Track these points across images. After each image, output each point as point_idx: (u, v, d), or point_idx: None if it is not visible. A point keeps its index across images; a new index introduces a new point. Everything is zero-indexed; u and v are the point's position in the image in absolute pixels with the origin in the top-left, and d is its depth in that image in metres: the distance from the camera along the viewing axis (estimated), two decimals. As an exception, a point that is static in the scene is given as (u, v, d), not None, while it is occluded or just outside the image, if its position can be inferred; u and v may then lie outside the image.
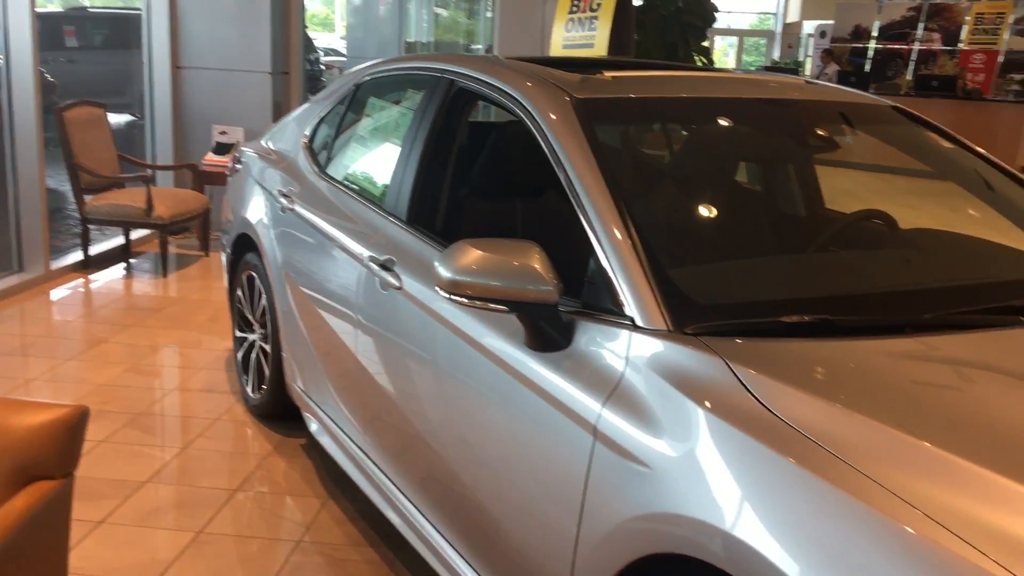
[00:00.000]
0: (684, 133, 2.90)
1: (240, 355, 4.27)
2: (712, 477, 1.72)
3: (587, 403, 2.01)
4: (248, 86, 7.36)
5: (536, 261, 2.07)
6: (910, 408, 1.75)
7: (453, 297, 2.13)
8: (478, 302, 2.12)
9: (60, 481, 2.01)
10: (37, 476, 1.99)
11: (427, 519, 2.69)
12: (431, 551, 2.66)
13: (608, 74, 2.81)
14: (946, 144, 3.02)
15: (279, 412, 3.96)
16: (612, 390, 1.96)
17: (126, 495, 3.41)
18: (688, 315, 1.99)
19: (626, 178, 2.37)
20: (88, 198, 6.40)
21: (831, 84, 3.20)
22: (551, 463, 2.09)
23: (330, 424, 3.36)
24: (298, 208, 3.57)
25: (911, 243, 2.81)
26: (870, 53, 16.80)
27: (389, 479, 2.91)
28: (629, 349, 1.98)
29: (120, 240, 6.82)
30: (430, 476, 2.66)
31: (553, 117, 2.44)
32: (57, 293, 5.95)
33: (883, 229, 2.78)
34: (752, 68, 18.64)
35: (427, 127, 2.96)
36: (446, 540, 2.58)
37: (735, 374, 1.79)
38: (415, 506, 2.75)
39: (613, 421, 1.94)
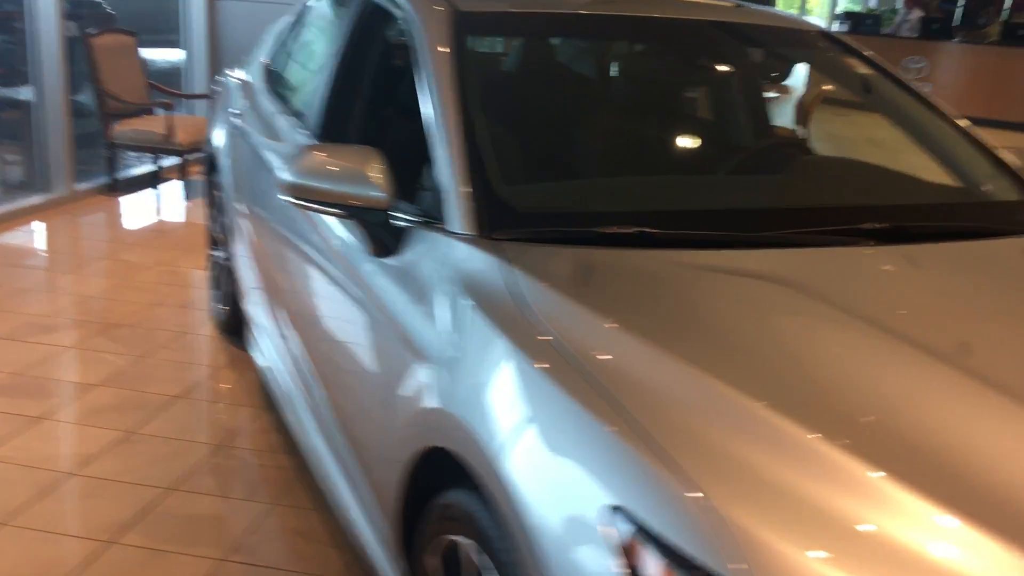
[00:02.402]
0: (566, 50, 2.86)
1: (211, 273, 4.43)
2: (469, 376, 1.76)
3: (400, 305, 2.07)
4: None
5: (371, 167, 2.10)
6: (668, 317, 1.74)
7: (294, 201, 2.19)
8: (316, 206, 2.17)
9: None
10: None
11: (311, 423, 2.79)
12: (309, 451, 2.77)
13: None
14: (872, 72, 2.92)
15: (239, 328, 4.10)
16: (421, 293, 2.01)
17: (73, 396, 3.60)
18: (499, 222, 2.01)
19: (484, 93, 2.37)
20: (116, 124, 6.63)
21: (763, 8, 3.10)
22: (378, 364, 2.16)
23: (259, 338, 3.48)
24: (244, 128, 3.66)
25: (800, 167, 2.74)
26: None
27: (293, 387, 3.02)
28: (441, 254, 2.02)
29: (150, 167, 7.06)
30: (313, 381, 2.75)
31: (427, 27, 2.46)
32: (77, 213, 6.22)
33: (773, 154, 2.72)
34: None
35: (341, 45, 3.00)
36: (322, 442, 2.68)
37: (511, 278, 1.81)
38: (305, 412, 2.86)
39: (414, 322, 1.99)
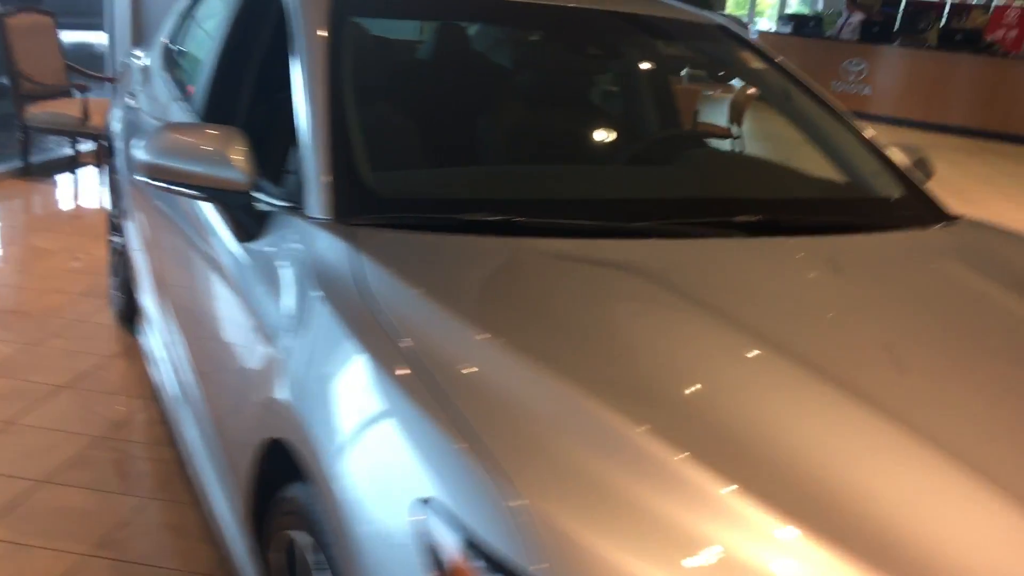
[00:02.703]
0: (451, 34, 2.80)
1: (110, 259, 4.30)
2: (307, 367, 1.70)
3: (256, 293, 2.01)
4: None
5: (231, 148, 2.03)
6: (515, 309, 1.69)
7: (151, 181, 2.11)
8: (175, 187, 2.09)
9: None
10: None
11: (186, 415, 2.71)
12: (183, 443, 2.69)
13: None
14: (765, 67, 2.90)
15: (135, 316, 3.98)
16: (275, 280, 1.95)
17: (-47, 384, 3.47)
18: (358, 207, 1.95)
19: (361, 76, 2.30)
20: (31, 106, 6.44)
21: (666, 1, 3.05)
22: (237, 353, 2.10)
23: (146, 326, 3.39)
24: (138, 110, 3.55)
25: (687, 160, 2.71)
26: (903, 4, 16.25)
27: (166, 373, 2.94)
28: (297, 240, 1.95)
29: (68, 151, 6.87)
30: (187, 371, 2.67)
31: (304, 6, 2.38)
32: (-13, 197, 6.04)
33: (660, 146, 2.69)
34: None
35: (227, 24, 2.91)
36: (196, 435, 2.60)
37: (358, 266, 1.75)
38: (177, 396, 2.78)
39: (267, 310, 1.93)
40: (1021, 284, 2.06)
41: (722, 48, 2.98)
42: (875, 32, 14.43)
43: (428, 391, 1.40)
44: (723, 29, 2.97)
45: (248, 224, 2.10)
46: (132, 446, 3.17)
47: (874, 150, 2.64)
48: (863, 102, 13.95)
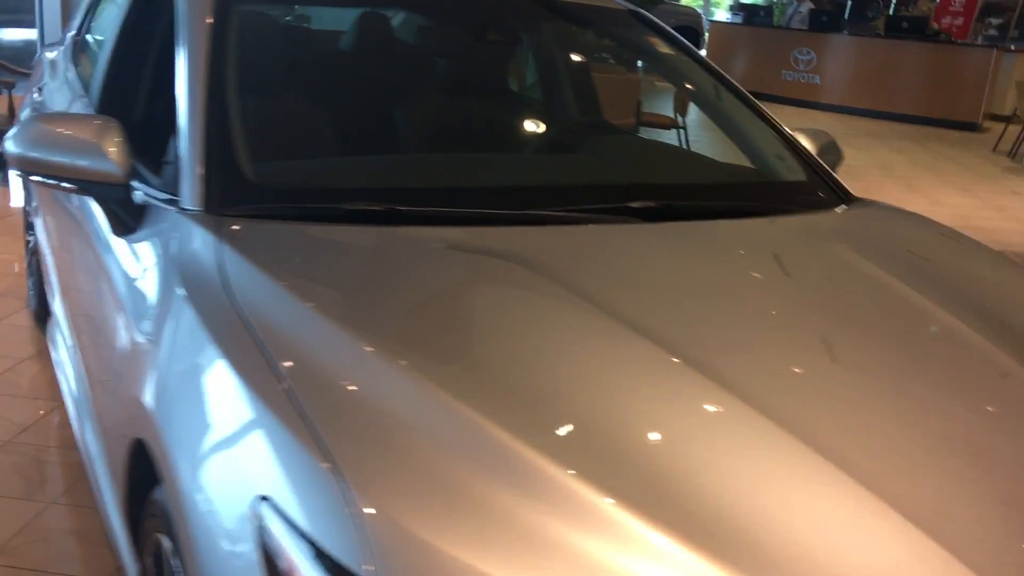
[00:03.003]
0: (346, 23, 2.75)
1: (28, 258, 4.20)
2: (166, 365, 1.64)
3: (128, 288, 1.97)
4: None
5: (106, 139, 1.96)
6: (378, 302, 1.64)
7: (19, 173, 2.04)
8: (48, 180, 2.02)
9: None
10: None
11: (84, 416, 2.64)
12: (81, 445, 2.62)
13: None
14: (675, 53, 2.86)
15: (47, 316, 3.89)
16: (146, 274, 1.89)
17: None
18: (229, 198, 1.89)
19: (247, 65, 2.24)
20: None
21: None
22: (112, 352, 2.03)
23: (53, 325, 3.30)
24: (44, 105, 3.46)
25: (588, 147, 2.67)
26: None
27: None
28: (170, 231, 1.89)
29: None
30: (80, 370, 2.60)
31: None
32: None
33: (561, 133, 2.65)
34: None
35: (122, 15, 2.84)
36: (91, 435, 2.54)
37: (221, 258, 1.70)
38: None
39: (137, 306, 1.88)
40: (906, 264, 2.05)
41: (633, 34, 2.94)
42: (824, 21, 14.51)
43: (276, 391, 1.35)
44: (634, 14, 2.93)
45: (126, 218, 2.04)
46: (37, 450, 3.09)
47: (779, 135, 2.62)
48: (812, 91, 14.04)
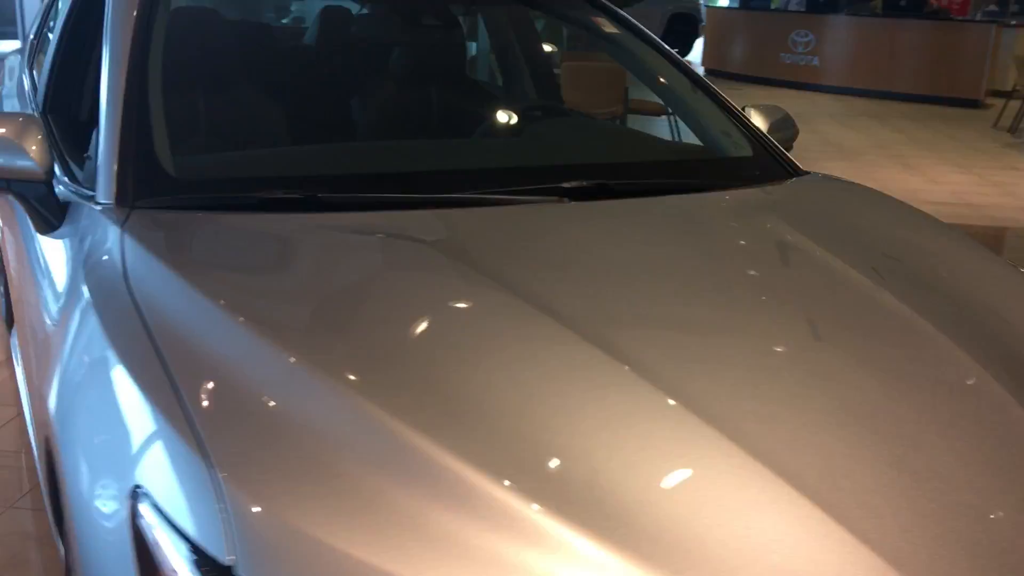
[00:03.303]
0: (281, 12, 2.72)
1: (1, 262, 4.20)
2: (64, 360, 1.62)
3: (45, 285, 1.95)
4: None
5: (25, 136, 1.95)
6: (280, 293, 1.62)
7: None
8: None
9: None
10: None
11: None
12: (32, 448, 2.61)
13: None
14: (624, 33, 2.82)
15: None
16: (59, 271, 1.88)
17: None
18: (144, 191, 1.86)
19: (168, 57, 2.20)
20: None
21: None
22: (35, 350, 2.02)
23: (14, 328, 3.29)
24: (-1, 108, 3.45)
25: (526, 130, 2.62)
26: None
27: None
28: (84, 226, 1.87)
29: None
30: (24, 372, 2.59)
31: None
32: None
33: (492, 115, 2.62)
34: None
35: (67, 12, 2.82)
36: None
37: (124, 250, 1.67)
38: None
39: (51, 303, 1.86)
40: (837, 233, 2.00)
41: (582, 15, 2.90)
42: (822, 2, 14.39)
43: (164, 388, 1.32)
44: (582, -5, 2.89)
45: (48, 215, 2.03)
46: (2, 455, 3.08)
47: (726, 111, 2.58)
48: (811, 73, 13.92)
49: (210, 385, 1.33)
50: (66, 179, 2.03)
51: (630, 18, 2.80)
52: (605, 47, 3.02)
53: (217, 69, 2.48)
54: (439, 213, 1.91)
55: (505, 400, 1.31)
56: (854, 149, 9.41)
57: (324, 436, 1.23)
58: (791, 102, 12.81)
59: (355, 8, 2.85)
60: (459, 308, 1.57)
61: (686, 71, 2.67)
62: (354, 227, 1.81)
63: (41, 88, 2.79)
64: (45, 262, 2.02)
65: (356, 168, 2.11)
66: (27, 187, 1.98)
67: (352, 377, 1.34)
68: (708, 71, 15.42)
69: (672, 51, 2.73)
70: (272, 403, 1.29)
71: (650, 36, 2.76)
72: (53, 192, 2.00)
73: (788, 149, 2.75)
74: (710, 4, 19.61)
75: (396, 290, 1.61)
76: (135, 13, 2.18)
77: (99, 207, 1.84)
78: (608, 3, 2.85)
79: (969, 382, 1.48)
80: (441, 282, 1.63)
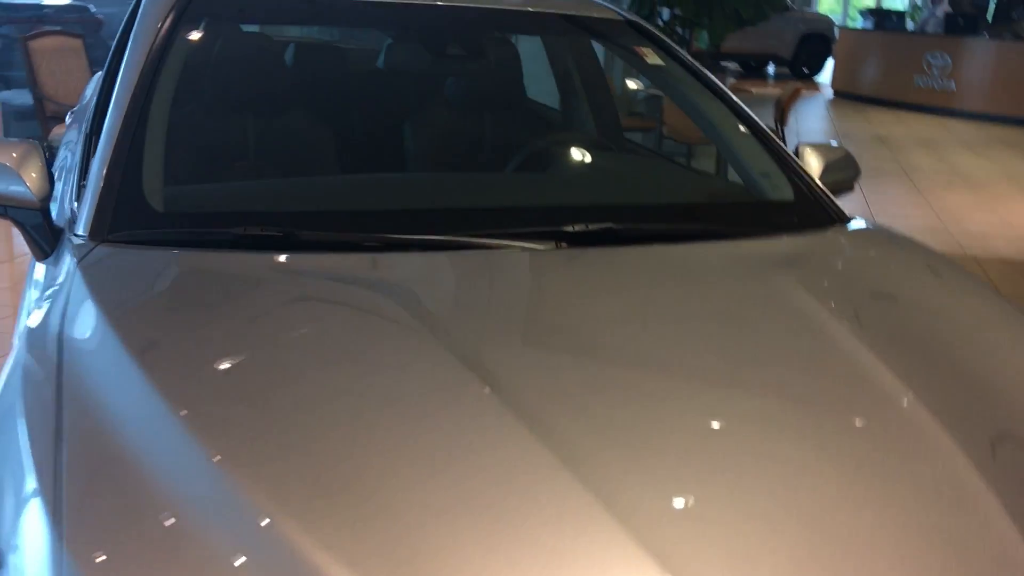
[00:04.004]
0: (313, 39, 2.67)
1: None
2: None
3: (25, 315, 1.93)
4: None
5: (24, 163, 1.96)
6: (198, 332, 1.54)
7: None
8: None
9: None
10: None
11: None
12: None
13: None
14: (671, 64, 2.67)
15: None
16: (31, 300, 1.87)
17: None
18: (122, 223, 1.83)
19: (164, 92, 2.17)
20: (55, 127, 6.60)
21: None
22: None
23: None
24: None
25: (551, 166, 2.48)
26: (997, -5, 15.40)
27: None
28: (60, 257, 1.86)
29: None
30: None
31: (147, 6, 2.30)
32: None
33: (529, 153, 2.49)
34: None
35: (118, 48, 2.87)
36: None
37: (69, 284, 1.65)
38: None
39: (24, 334, 1.84)
40: (857, 302, 1.80)
41: (630, 44, 2.76)
42: (960, 24, 13.70)
43: (45, 444, 1.27)
44: (631, 24, 2.76)
45: (41, 242, 2.02)
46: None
47: (769, 149, 2.40)
48: (947, 98, 13.24)
49: (93, 447, 1.26)
50: (68, 208, 2.03)
51: (673, 45, 2.65)
52: (648, 75, 2.85)
53: (223, 101, 2.45)
54: (415, 257, 1.80)
55: (389, 497, 1.17)
56: (982, 180, 8.86)
57: (186, 514, 1.14)
58: (923, 127, 12.22)
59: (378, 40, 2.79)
60: (382, 378, 1.42)
61: (729, 102, 2.50)
62: (314, 271, 1.72)
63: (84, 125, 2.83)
64: (28, 290, 2.02)
65: (333, 205, 2.03)
66: (23, 214, 1.99)
67: (232, 449, 1.24)
68: (837, 93, 14.88)
69: (716, 80, 2.57)
70: (148, 475, 1.20)
71: (695, 66, 2.60)
72: (49, 220, 1.99)
73: (848, 191, 2.55)
74: (847, 24, 18.96)
75: (321, 354, 1.47)
76: (144, 54, 2.16)
77: (75, 238, 1.82)
78: (650, 28, 2.71)
79: (953, 493, 1.25)
80: (377, 348, 1.49)
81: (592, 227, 1.94)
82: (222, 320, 1.57)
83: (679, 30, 8.98)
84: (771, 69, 18.05)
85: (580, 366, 1.47)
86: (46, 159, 2.03)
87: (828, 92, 15.40)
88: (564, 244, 1.88)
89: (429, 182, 2.29)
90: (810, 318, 1.67)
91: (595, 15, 2.75)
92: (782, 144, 2.45)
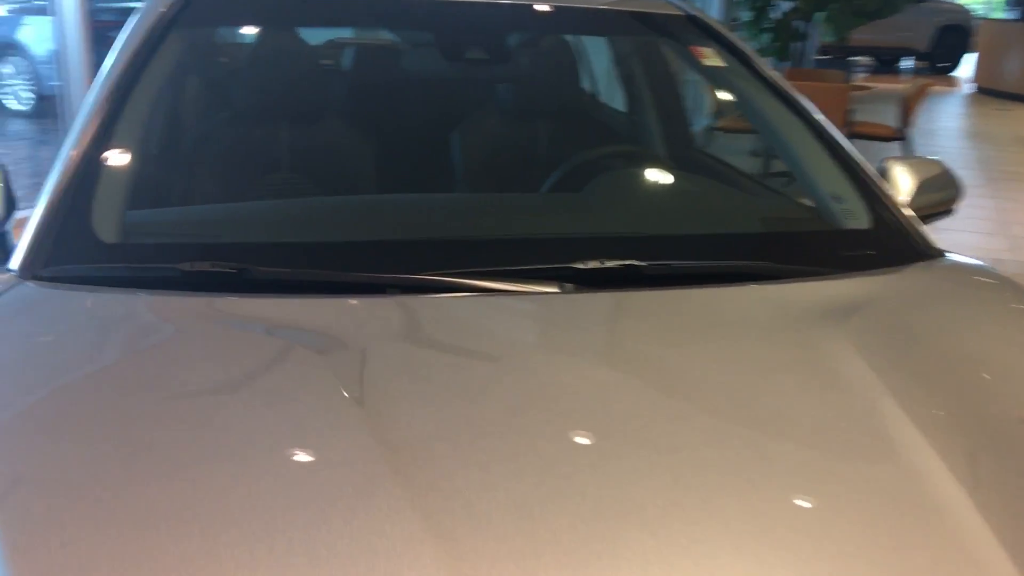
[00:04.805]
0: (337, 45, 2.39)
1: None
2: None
3: None
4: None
5: None
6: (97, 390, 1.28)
7: None
8: None
9: None
10: None
11: None
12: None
13: None
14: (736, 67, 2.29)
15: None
16: None
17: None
18: (55, 258, 1.59)
19: (160, 99, 1.95)
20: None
21: None
22: None
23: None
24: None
25: (596, 184, 2.12)
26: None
27: None
28: None
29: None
30: None
31: (141, 14, 2.09)
32: None
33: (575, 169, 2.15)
34: None
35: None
36: None
37: None
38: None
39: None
40: (918, 361, 1.41)
41: (689, 42, 2.39)
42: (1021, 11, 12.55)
43: None
44: (693, 20, 2.38)
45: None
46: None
47: (843, 165, 1.99)
48: (1105, 93, 12.14)
49: None
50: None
51: (739, 43, 2.27)
52: (707, 76, 2.48)
53: (200, 120, 2.21)
54: (385, 303, 1.51)
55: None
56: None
57: None
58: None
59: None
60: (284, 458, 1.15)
61: (798, 108, 2.11)
62: (250, 320, 1.45)
63: None
64: None
65: (293, 237, 1.73)
66: None
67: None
68: (981, 89, 13.87)
69: (784, 83, 2.18)
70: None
71: (761, 67, 2.21)
72: (5, 245, 1.80)
73: (947, 213, 2.13)
74: (989, 15, 17.74)
75: (219, 425, 1.20)
76: (147, 36, 1.97)
77: (3, 272, 1.61)
78: (714, 24, 2.33)
79: None
80: (294, 423, 1.21)
81: (608, 264, 1.59)
82: (124, 379, 1.31)
83: (797, 25, 8.44)
84: (906, 64, 17.06)
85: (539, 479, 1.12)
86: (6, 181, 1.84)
87: (967, 88, 14.39)
88: (571, 286, 1.55)
89: (407, 206, 1.97)
90: (861, 399, 1.28)
91: (648, 9, 2.40)
92: (859, 159, 2.04)
